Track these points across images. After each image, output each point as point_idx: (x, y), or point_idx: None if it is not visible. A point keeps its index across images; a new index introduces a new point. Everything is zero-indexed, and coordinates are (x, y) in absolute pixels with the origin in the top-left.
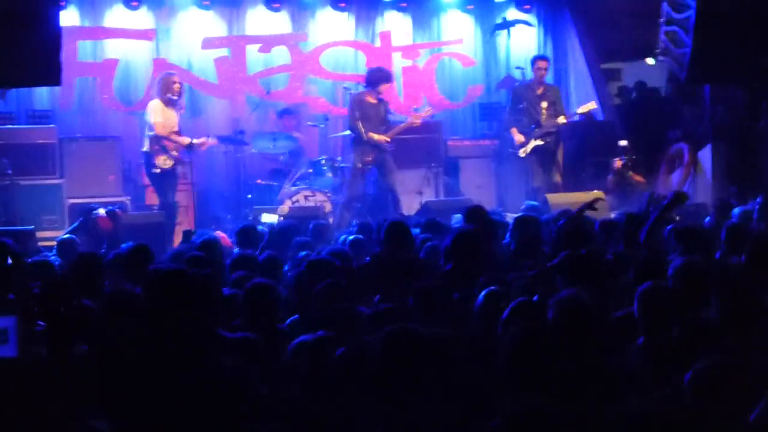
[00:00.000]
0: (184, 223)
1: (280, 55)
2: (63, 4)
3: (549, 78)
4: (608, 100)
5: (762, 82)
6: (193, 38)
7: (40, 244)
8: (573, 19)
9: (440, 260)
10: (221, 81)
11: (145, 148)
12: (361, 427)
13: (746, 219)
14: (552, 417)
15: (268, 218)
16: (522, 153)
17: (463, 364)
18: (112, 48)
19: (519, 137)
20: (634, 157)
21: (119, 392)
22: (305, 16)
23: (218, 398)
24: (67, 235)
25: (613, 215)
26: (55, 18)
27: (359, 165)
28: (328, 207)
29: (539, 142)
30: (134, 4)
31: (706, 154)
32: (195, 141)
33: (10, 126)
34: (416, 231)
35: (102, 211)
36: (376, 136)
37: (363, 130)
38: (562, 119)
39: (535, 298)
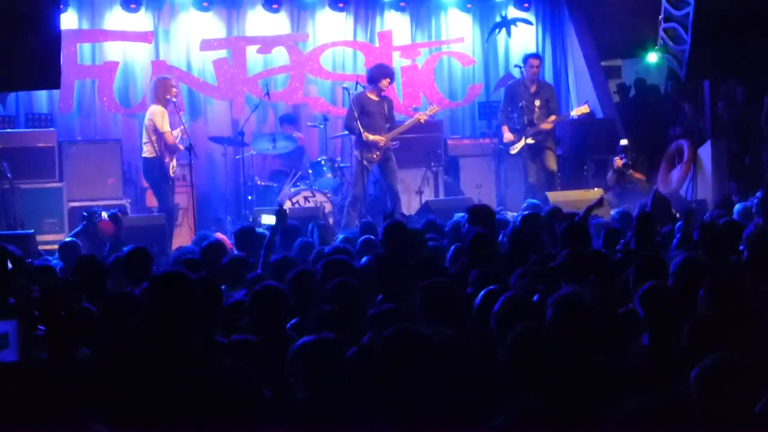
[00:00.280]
0: (183, 225)
1: (280, 55)
2: (62, 6)
3: (548, 76)
4: (608, 97)
5: (762, 77)
6: (192, 40)
7: (41, 247)
8: (572, 16)
9: (443, 260)
10: (220, 82)
11: (150, 154)
12: (363, 428)
13: (746, 215)
14: (552, 417)
15: (268, 220)
16: (513, 150)
17: (465, 364)
18: (112, 50)
19: (508, 135)
20: (634, 155)
21: (121, 395)
22: (304, 16)
23: (220, 400)
24: (69, 239)
25: (613, 213)
26: (55, 21)
27: (365, 163)
28: (328, 208)
29: (530, 141)
30: (133, 6)
31: (706, 151)
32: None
33: (10, 129)
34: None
35: (104, 215)
36: (371, 137)
37: (361, 129)
38: (552, 119)
39: (535, 297)
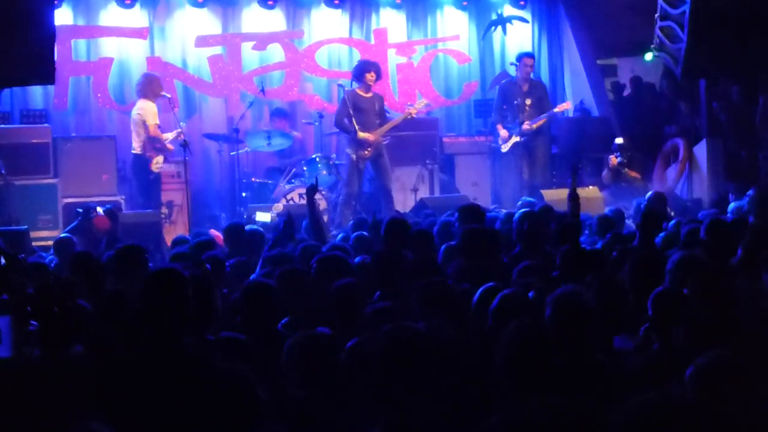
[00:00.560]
0: (178, 222)
1: (275, 52)
2: (57, 2)
3: (543, 74)
4: (603, 95)
5: (757, 76)
6: (187, 36)
7: (35, 244)
8: (568, 14)
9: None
10: (216, 79)
11: (137, 150)
12: (361, 426)
13: (739, 214)
14: (550, 415)
15: (262, 217)
16: (504, 148)
17: (463, 361)
18: (107, 47)
19: (503, 132)
20: (629, 154)
21: (114, 393)
22: (300, 13)
23: (215, 399)
24: (64, 235)
25: (606, 210)
26: (49, 17)
27: (354, 159)
28: (323, 205)
29: (518, 139)
30: (128, 2)
31: (701, 150)
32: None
33: (4, 126)
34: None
35: (100, 210)
36: (361, 135)
37: (357, 126)
38: (540, 122)
39: (530, 294)
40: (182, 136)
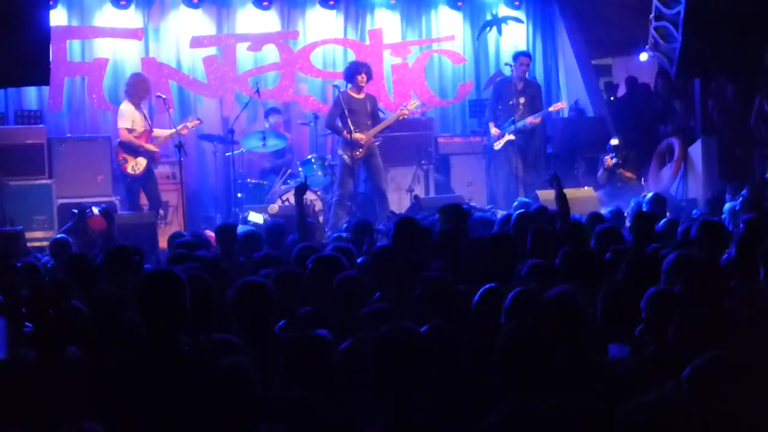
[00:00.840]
0: (173, 222)
1: (270, 53)
2: (52, 3)
3: (538, 74)
4: (598, 95)
5: (752, 75)
6: (182, 37)
7: (30, 244)
8: (562, 14)
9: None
10: (210, 80)
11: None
12: (359, 426)
13: (733, 213)
14: (547, 414)
15: (255, 217)
16: (496, 146)
17: (461, 361)
18: (101, 47)
19: (495, 131)
20: (624, 154)
21: (111, 394)
22: (295, 14)
23: (212, 399)
24: (60, 236)
25: (605, 212)
26: (44, 18)
27: (346, 160)
28: (318, 206)
29: (511, 137)
30: (123, 3)
31: (696, 149)
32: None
33: None
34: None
35: (95, 210)
36: (354, 135)
37: (351, 127)
38: (531, 119)
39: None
40: (186, 130)
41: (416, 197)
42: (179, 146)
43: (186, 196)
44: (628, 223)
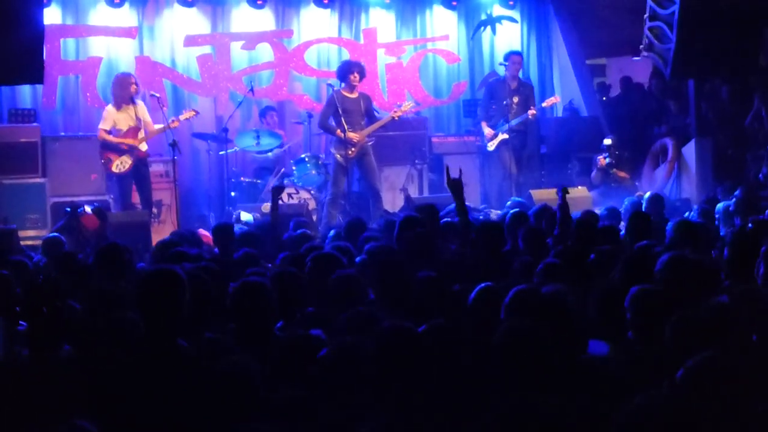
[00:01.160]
0: (167, 221)
1: (264, 52)
2: (46, 2)
3: (533, 74)
4: (592, 95)
5: (746, 76)
6: (176, 36)
7: (23, 243)
8: (557, 14)
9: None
10: (205, 79)
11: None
12: (358, 426)
13: (726, 214)
14: (543, 414)
15: (246, 216)
16: (490, 146)
17: (459, 360)
18: (96, 46)
19: (488, 131)
20: (617, 153)
21: (106, 392)
22: (289, 13)
23: (213, 398)
24: (53, 234)
25: (600, 211)
26: (38, 16)
27: (339, 159)
28: (312, 205)
29: (505, 137)
30: (117, 1)
31: (690, 150)
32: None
33: None
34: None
35: (88, 209)
36: (347, 135)
37: (345, 126)
38: (531, 112)
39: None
40: (177, 123)
41: (407, 197)
42: (173, 145)
43: (180, 194)
44: (623, 222)
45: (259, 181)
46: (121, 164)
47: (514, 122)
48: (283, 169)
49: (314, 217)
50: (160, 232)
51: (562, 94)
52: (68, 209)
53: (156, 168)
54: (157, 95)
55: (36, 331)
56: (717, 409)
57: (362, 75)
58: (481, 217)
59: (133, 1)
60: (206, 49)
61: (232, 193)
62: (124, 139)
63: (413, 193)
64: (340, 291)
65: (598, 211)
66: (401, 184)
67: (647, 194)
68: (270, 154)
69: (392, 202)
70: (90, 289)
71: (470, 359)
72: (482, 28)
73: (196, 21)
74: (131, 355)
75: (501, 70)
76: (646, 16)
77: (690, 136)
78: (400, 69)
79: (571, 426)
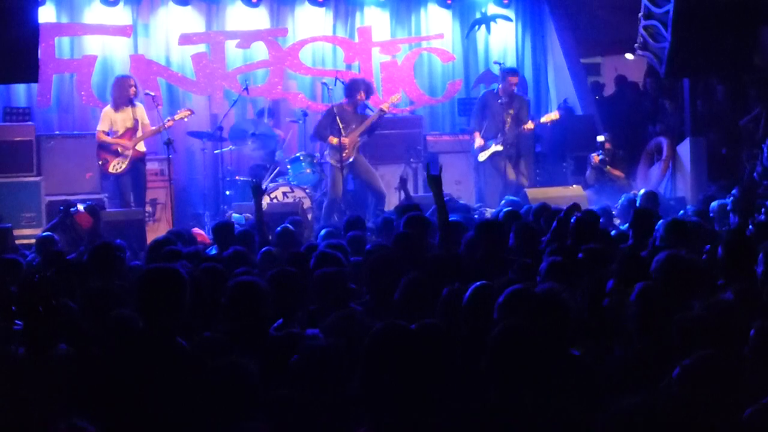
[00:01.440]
0: (162, 219)
1: (259, 50)
2: (41, 0)
3: (527, 73)
4: (587, 94)
5: (741, 75)
6: (171, 34)
7: (18, 242)
8: (552, 13)
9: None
10: (199, 77)
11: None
12: (351, 424)
13: (722, 213)
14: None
15: (236, 216)
16: (481, 157)
17: (452, 359)
18: (90, 44)
19: (479, 141)
20: (611, 151)
21: (100, 391)
22: (284, 11)
23: (209, 396)
24: (46, 233)
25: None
26: (33, 14)
27: (336, 164)
28: (307, 203)
29: (499, 148)
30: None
31: (685, 148)
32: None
33: None
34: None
35: (80, 207)
36: (335, 140)
37: (343, 132)
38: (528, 125)
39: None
40: (172, 122)
41: (407, 193)
42: (168, 143)
43: (175, 193)
44: (618, 221)
45: (253, 179)
46: (117, 165)
47: (510, 136)
48: (278, 168)
49: (309, 216)
50: (155, 231)
51: (557, 93)
52: (61, 207)
53: (151, 166)
54: (152, 94)
55: (32, 330)
56: (712, 408)
57: (369, 94)
58: (476, 216)
59: (128, 0)
60: (201, 48)
61: (227, 192)
62: (120, 140)
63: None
64: (322, 289)
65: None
66: (396, 183)
67: (641, 191)
68: (277, 153)
69: (387, 200)
70: (84, 288)
71: (463, 358)
72: (477, 26)
73: (191, 19)
74: (129, 353)
75: (495, 69)
76: (640, 14)
77: (684, 135)
78: (395, 68)
79: (564, 426)
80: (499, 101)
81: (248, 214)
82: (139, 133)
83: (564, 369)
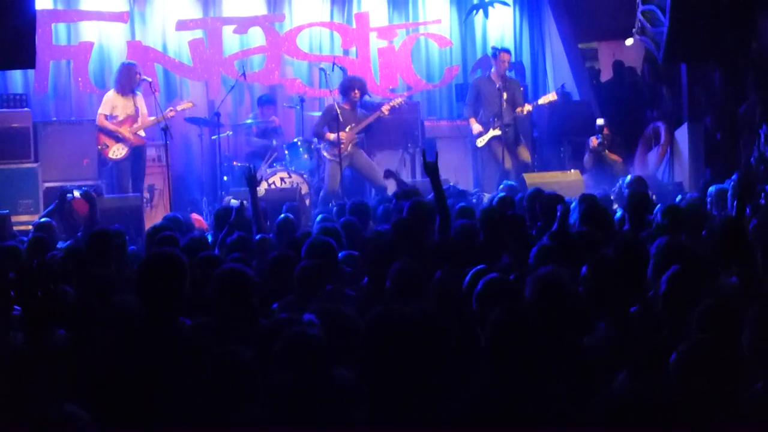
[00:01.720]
0: (159, 206)
1: (256, 36)
2: None
3: (525, 58)
4: (585, 80)
5: (739, 61)
6: (167, 20)
7: (16, 228)
8: None
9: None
10: (196, 63)
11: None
12: (349, 408)
13: (720, 198)
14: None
15: (234, 203)
16: (480, 143)
17: (449, 344)
18: (87, 31)
19: (477, 127)
20: (610, 136)
21: (99, 377)
22: None
23: (205, 383)
24: (45, 219)
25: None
26: (30, 1)
27: (332, 158)
28: (304, 189)
29: (497, 132)
30: None
31: (682, 134)
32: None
33: None
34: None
35: (76, 193)
36: (332, 136)
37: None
38: (527, 108)
39: (511, 277)
40: (174, 113)
41: (399, 181)
42: (165, 129)
43: (172, 179)
44: (615, 206)
45: (251, 166)
46: (117, 151)
47: (508, 119)
48: (275, 154)
49: (307, 202)
50: (153, 217)
51: (554, 78)
52: (59, 194)
53: (148, 152)
54: (149, 80)
55: (30, 316)
56: (708, 393)
57: (363, 92)
58: (474, 201)
59: None
60: (198, 34)
61: (225, 178)
62: (122, 126)
63: (406, 177)
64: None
65: None
66: (394, 168)
67: (628, 178)
68: (275, 142)
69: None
70: (82, 274)
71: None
72: (474, 11)
73: (188, 5)
74: (129, 339)
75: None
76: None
77: (682, 121)
78: (392, 53)
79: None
80: (498, 90)
81: (244, 201)
82: (139, 121)
83: (563, 353)
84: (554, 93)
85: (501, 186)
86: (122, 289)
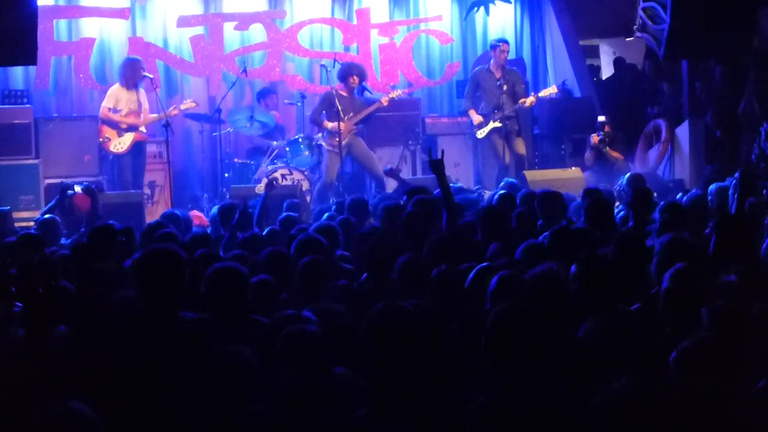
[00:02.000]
0: (160, 202)
1: (257, 32)
2: None
3: (526, 54)
4: (585, 76)
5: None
6: (168, 16)
7: (17, 224)
8: None
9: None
10: (197, 59)
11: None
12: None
13: (721, 195)
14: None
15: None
16: (480, 134)
17: (452, 342)
18: (88, 27)
19: (477, 118)
20: (611, 133)
21: (100, 373)
22: None
23: (209, 378)
24: (47, 215)
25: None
26: None
27: (331, 148)
28: (305, 185)
29: (497, 124)
30: None
31: (683, 130)
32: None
33: None
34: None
35: (78, 189)
36: (330, 125)
37: (342, 115)
38: (531, 99)
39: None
40: (177, 111)
41: (400, 179)
42: (166, 125)
43: (173, 175)
44: (617, 203)
45: (252, 162)
46: (119, 144)
47: (509, 111)
48: (276, 151)
49: (308, 198)
50: (154, 213)
51: (555, 75)
52: (60, 190)
53: (149, 148)
54: (150, 76)
55: (31, 312)
56: (708, 392)
57: (362, 78)
58: (475, 196)
59: None
60: (199, 30)
61: (225, 174)
62: (125, 119)
63: (406, 174)
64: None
65: None
66: (394, 165)
67: (626, 176)
68: (275, 143)
69: (385, 183)
70: (83, 269)
71: (461, 340)
72: (475, 8)
73: (189, 1)
74: (130, 334)
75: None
76: None
77: (683, 117)
78: (393, 50)
79: (559, 410)
80: (497, 82)
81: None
82: (142, 117)
83: (563, 350)
84: (554, 86)
85: (501, 183)
86: (124, 284)
